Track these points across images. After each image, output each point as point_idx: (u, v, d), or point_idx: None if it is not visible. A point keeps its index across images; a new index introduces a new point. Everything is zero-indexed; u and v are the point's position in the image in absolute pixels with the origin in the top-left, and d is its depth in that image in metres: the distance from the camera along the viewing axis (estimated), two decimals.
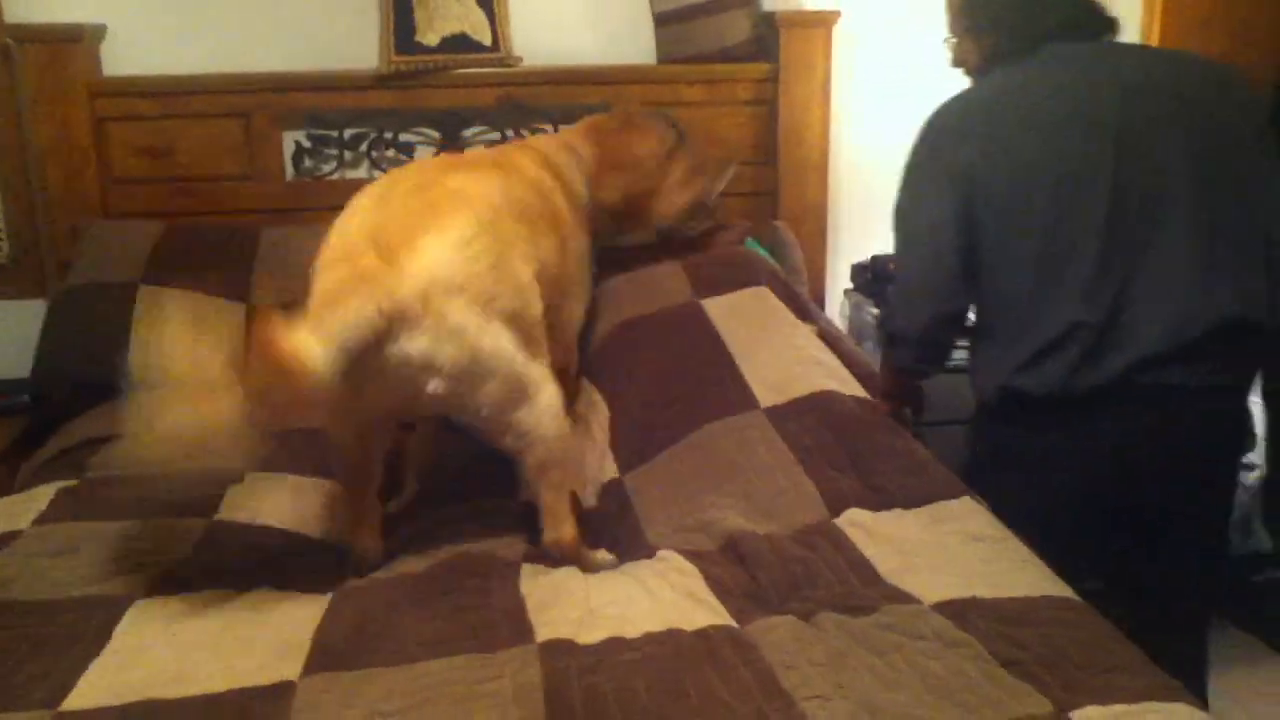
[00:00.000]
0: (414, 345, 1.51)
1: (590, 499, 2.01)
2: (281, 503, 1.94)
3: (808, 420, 1.97)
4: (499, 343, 1.59)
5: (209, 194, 2.89)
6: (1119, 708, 1.27)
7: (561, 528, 1.74)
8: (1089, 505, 1.83)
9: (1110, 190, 1.71)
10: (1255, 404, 3.08)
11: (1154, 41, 3.11)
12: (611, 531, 1.89)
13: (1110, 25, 1.86)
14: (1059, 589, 1.54)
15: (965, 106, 1.85)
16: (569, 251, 2.08)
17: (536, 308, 1.72)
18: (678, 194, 2.45)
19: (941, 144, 1.83)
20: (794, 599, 1.55)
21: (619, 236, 2.51)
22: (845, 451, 1.90)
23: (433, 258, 1.54)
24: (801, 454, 1.90)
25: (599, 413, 2.22)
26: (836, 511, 1.76)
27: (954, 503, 1.74)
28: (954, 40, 2.01)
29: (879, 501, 1.77)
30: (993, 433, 1.93)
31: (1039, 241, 1.74)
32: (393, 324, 1.48)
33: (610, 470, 2.07)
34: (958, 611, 1.46)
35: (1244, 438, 1.95)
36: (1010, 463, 1.87)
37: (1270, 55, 3.15)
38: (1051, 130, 1.75)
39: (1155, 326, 1.70)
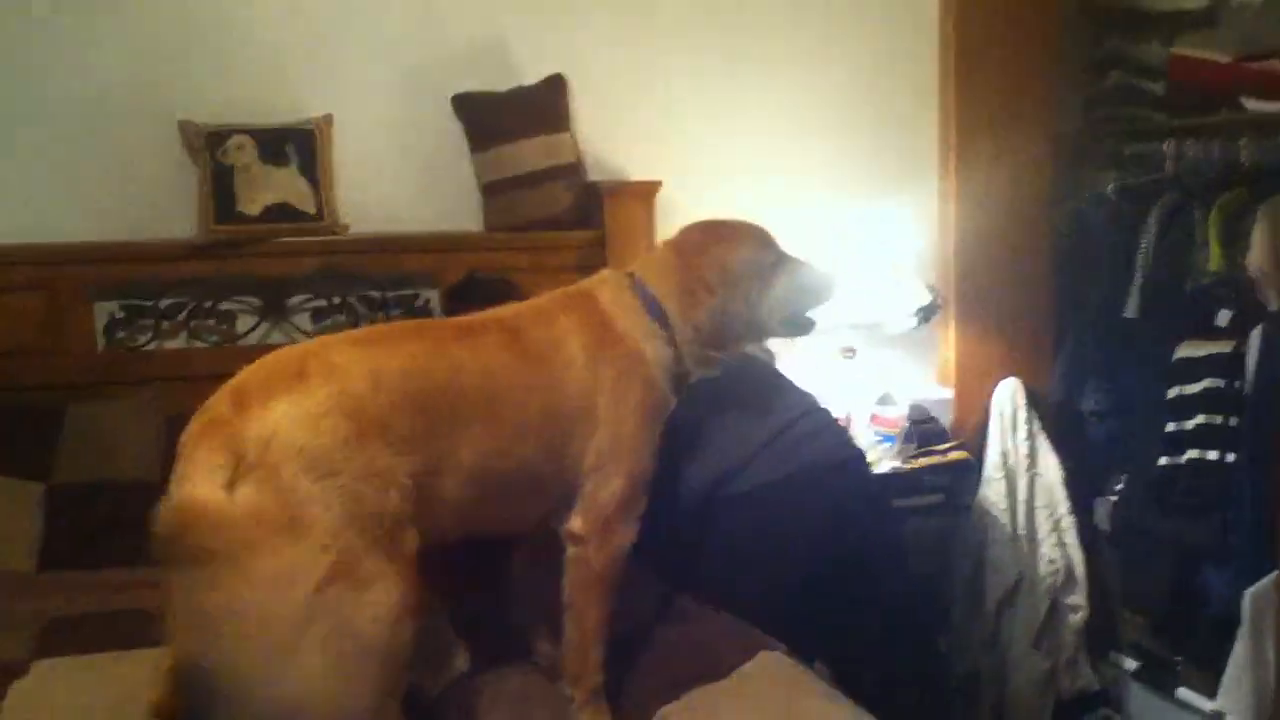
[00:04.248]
0: (242, 489, 1.49)
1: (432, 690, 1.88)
2: (78, 697, 1.75)
3: None
4: (325, 515, 1.52)
5: (10, 370, 2.71)
6: None
7: None
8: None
9: None
10: (1073, 547, 3.22)
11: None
12: None
13: None
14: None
15: None
16: (583, 423, 1.85)
17: (392, 501, 1.57)
18: (778, 307, 2.09)
19: None
20: None
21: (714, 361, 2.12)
22: None
23: (279, 418, 1.53)
24: None
25: None
26: None
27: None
28: None
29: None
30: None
31: None
32: (235, 462, 1.50)
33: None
34: None
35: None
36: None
37: None
38: None
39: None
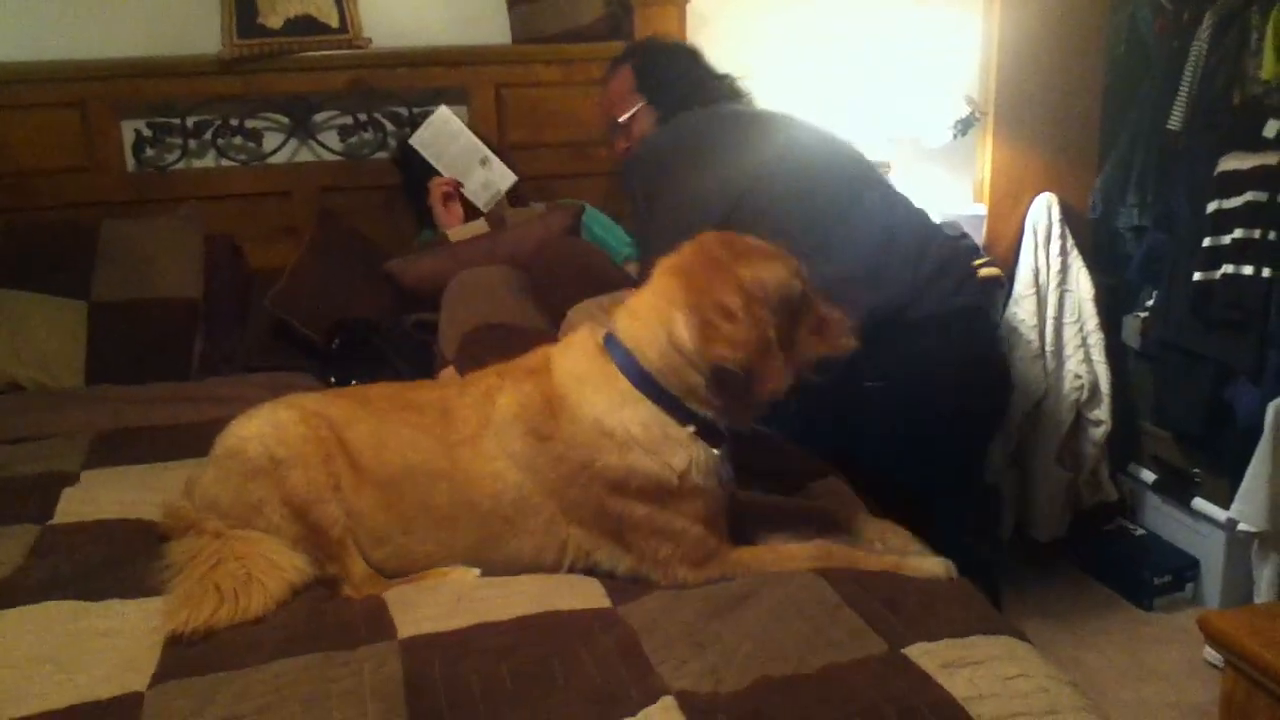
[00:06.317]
0: None
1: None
2: (125, 496, 1.85)
3: None
4: None
5: (45, 189, 2.75)
6: (947, 642, 1.35)
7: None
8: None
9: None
10: (1100, 363, 3.24)
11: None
12: None
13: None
14: None
15: (701, 129, 2.18)
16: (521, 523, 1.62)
17: None
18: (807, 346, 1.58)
19: (704, 154, 2.11)
20: None
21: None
22: None
23: None
24: None
25: None
26: None
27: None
28: (626, 118, 2.39)
29: None
30: None
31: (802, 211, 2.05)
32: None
33: None
34: None
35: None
36: None
37: None
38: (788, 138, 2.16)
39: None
